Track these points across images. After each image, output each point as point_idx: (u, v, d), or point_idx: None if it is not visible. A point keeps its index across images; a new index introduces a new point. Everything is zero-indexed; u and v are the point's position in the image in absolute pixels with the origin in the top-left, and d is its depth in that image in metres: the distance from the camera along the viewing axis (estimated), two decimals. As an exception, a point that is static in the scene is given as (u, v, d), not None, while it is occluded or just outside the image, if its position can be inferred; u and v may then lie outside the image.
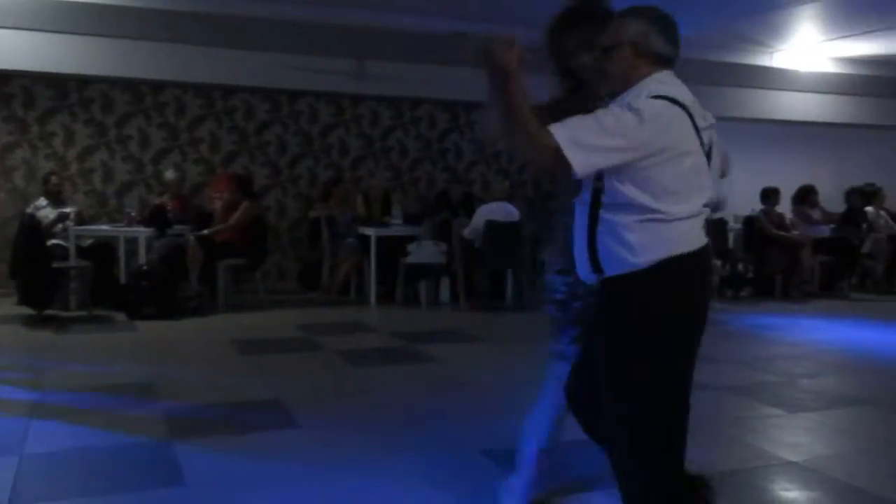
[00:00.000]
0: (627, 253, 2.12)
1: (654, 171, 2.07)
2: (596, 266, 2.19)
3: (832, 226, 9.77)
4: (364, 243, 8.17)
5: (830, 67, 11.42)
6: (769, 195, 9.38)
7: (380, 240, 7.98)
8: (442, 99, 9.71)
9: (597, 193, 2.15)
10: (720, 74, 10.32)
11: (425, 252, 7.97)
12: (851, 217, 9.89)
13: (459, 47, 9.15)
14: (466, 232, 7.94)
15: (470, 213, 8.27)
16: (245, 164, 9.11)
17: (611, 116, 2.05)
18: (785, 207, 9.65)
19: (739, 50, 10.73)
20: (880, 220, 10.12)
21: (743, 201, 9.99)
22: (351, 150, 9.59)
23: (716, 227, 9.49)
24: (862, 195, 10.12)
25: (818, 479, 3.36)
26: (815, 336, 6.74)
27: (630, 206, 2.11)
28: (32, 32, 7.86)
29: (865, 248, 9.66)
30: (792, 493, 3.26)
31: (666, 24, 2.21)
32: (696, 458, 3.51)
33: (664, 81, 2.16)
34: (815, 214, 9.74)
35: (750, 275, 9.52)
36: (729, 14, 8.86)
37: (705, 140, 2.16)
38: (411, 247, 7.96)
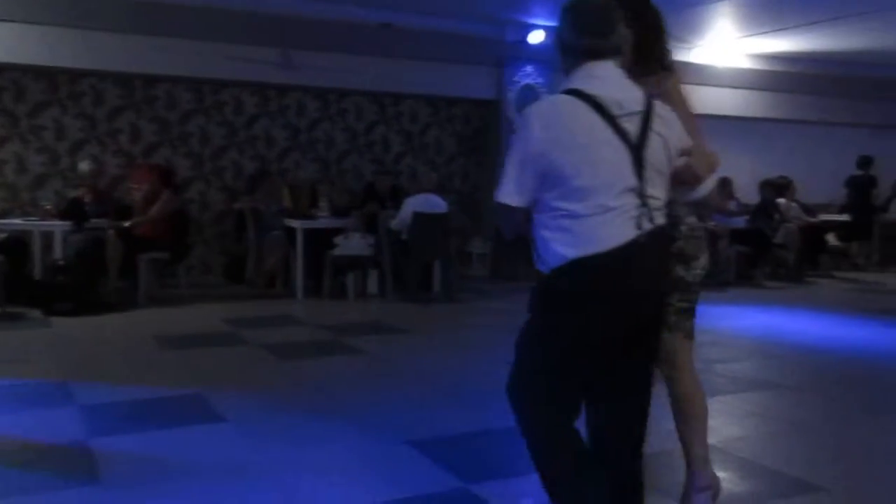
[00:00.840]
0: (542, 251, 2.16)
1: (550, 167, 2.08)
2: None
3: (747, 217, 10.14)
4: (291, 236, 8.09)
5: (746, 63, 11.82)
6: (688, 187, 9.66)
7: (307, 232, 7.92)
8: (369, 90, 9.67)
9: None
10: (641, 69, 10.54)
11: (353, 244, 7.94)
12: (765, 208, 10.28)
13: (386, 38, 9.24)
14: (394, 224, 7.94)
15: (398, 205, 8.27)
16: (167, 156, 8.89)
17: (514, 151, 2.15)
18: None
19: (660, 45, 10.98)
20: (792, 211, 10.56)
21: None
22: (277, 141, 9.47)
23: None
24: (775, 187, 10.53)
25: (730, 459, 3.50)
26: (730, 323, 7.00)
27: (541, 204, 2.15)
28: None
29: (778, 239, 10.06)
30: (705, 474, 3.39)
31: (575, 16, 2.19)
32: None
33: (591, 74, 2.14)
34: (732, 206, 10.09)
35: (670, 264, 9.77)
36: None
37: (629, 130, 2.10)
38: (338, 239, 7.92)
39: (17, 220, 7.55)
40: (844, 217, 11.45)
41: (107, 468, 3.21)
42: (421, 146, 10.31)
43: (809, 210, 10.96)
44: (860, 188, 11.38)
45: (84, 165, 7.88)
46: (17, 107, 8.28)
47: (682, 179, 2.30)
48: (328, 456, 3.42)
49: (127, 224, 7.40)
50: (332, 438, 3.65)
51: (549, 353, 2.19)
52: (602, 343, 2.17)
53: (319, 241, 7.93)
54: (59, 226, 7.23)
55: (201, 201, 9.12)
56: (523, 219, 2.19)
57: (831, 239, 11.19)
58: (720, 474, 3.36)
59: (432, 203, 7.91)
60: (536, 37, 9.55)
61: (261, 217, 8.41)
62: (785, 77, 12.06)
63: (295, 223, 7.98)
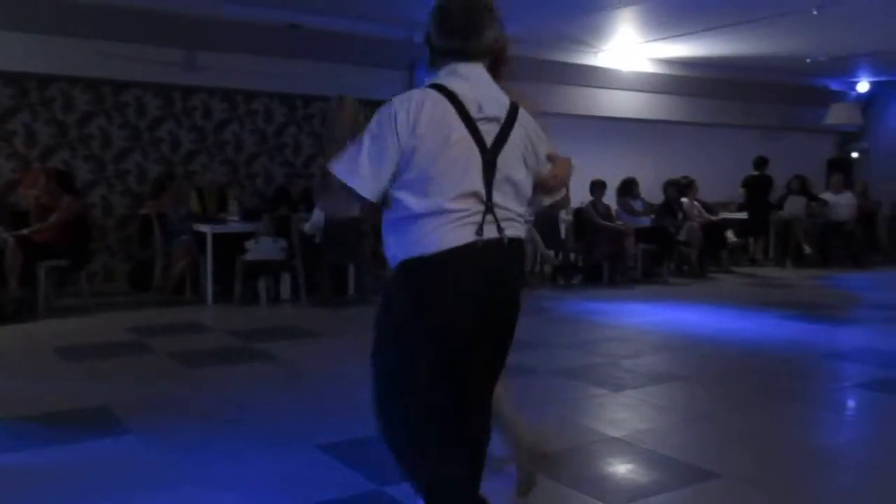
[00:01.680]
0: (386, 249, 2.11)
1: (405, 162, 1.99)
2: None
3: (652, 216, 10.48)
4: (199, 241, 7.89)
5: (649, 67, 12.21)
6: (596, 187, 9.92)
7: (216, 237, 7.74)
8: (278, 92, 9.54)
9: None
10: (548, 72, 10.76)
11: (264, 248, 7.81)
12: (669, 207, 10.64)
13: (294, 39, 9.16)
14: (307, 227, 7.85)
15: (310, 208, 8.18)
16: (66, 159, 8.54)
17: (370, 133, 2.03)
18: (610, 199, 10.23)
19: (566, 49, 11.24)
20: (694, 209, 10.97)
21: (573, 194, 10.47)
22: (183, 143, 9.23)
23: (547, 219, 9.93)
24: (678, 187, 10.91)
25: (637, 451, 3.62)
26: (637, 319, 7.22)
27: (388, 199, 2.06)
28: None
29: (681, 236, 10.43)
30: (614, 467, 3.50)
31: (440, 17, 2.15)
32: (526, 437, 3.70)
33: (452, 72, 2.10)
34: (637, 205, 10.41)
35: (580, 263, 10.03)
36: (552, 13, 9.24)
37: (486, 133, 2.03)
38: (249, 243, 7.77)
39: None
40: (742, 215, 11.97)
41: (1, 490, 3.07)
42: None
43: (710, 208, 11.41)
44: (757, 187, 11.91)
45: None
46: None
47: (547, 186, 2.26)
48: (240, 465, 3.36)
49: (25, 231, 7.07)
50: (243, 447, 3.58)
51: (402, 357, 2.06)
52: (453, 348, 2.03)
53: (229, 245, 7.77)
54: (-53, 233, 6.84)
55: (103, 206, 8.80)
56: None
57: (730, 236, 11.67)
58: (627, 466, 3.48)
59: (344, 205, 7.83)
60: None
61: (167, 221, 8.17)
62: (685, 81, 12.52)
63: (204, 227, 7.79)
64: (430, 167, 1.98)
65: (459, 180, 1.99)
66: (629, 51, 11.57)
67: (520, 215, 2.12)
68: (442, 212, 1.97)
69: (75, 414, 4.10)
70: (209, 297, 7.75)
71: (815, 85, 13.99)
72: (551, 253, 9.76)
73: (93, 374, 4.98)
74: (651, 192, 10.94)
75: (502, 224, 2.03)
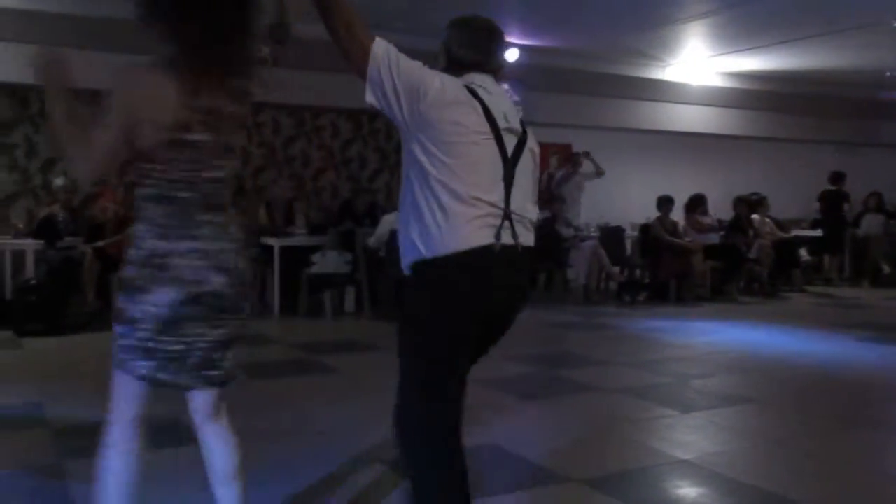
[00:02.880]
0: (406, 249, 2.30)
1: (433, 128, 2.13)
2: None
3: (721, 233, 10.24)
4: (267, 254, 8.03)
5: (719, 81, 11.98)
6: (664, 203, 9.75)
7: (283, 250, 7.87)
8: (345, 107, 9.68)
9: None
10: (615, 87, 10.67)
11: (329, 262, 7.90)
12: (739, 224, 10.39)
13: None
14: (371, 241, 7.91)
15: (374, 222, 8.25)
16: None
17: (417, 69, 2.17)
18: (678, 215, 10.05)
19: (633, 64, 11.12)
20: (765, 226, 10.68)
21: (639, 210, 10.35)
22: (252, 158, 9.43)
23: (613, 235, 9.81)
24: (748, 203, 10.65)
25: (707, 475, 3.51)
26: (706, 338, 7.04)
27: (414, 199, 2.24)
28: None
29: (752, 254, 10.16)
30: (682, 490, 3.39)
31: (468, 33, 2.33)
32: (593, 459, 3.63)
33: (472, 82, 2.24)
34: (706, 222, 10.19)
35: (646, 280, 9.86)
36: (621, 29, 9.17)
37: (507, 141, 2.20)
38: (315, 257, 7.88)
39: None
40: (817, 232, 11.60)
41: (82, 499, 3.15)
42: (397, 163, 10.30)
43: (782, 225, 11.10)
44: (832, 203, 11.54)
45: (59, 181, 7.78)
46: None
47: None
48: (302, 478, 3.38)
49: (101, 243, 7.31)
50: (305, 459, 3.61)
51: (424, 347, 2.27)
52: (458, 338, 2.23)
53: (296, 258, 7.89)
54: (30, 244, 7.12)
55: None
56: None
57: (804, 254, 11.32)
58: (697, 490, 3.38)
59: (409, 220, 7.89)
60: (511, 55, 9.61)
61: (236, 234, 8.34)
62: (756, 95, 12.24)
63: (272, 241, 7.93)
64: (462, 167, 2.11)
65: (485, 185, 2.14)
66: (698, 64, 11.38)
67: (531, 222, 2.28)
68: (467, 214, 2.10)
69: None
70: (275, 309, 7.87)
71: (895, 99, 13.51)
72: (616, 269, 9.62)
73: (163, 383, 5.09)
74: (720, 208, 10.71)
75: (517, 230, 2.18)
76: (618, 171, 10.50)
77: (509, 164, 2.19)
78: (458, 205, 2.11)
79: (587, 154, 10.05)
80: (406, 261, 2.26)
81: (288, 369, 5.64)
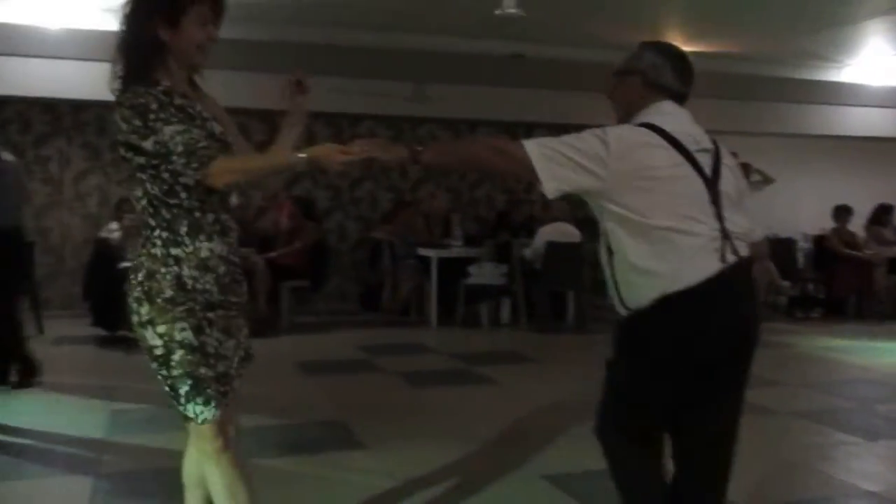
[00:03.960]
0: (629, 290, 2.23)
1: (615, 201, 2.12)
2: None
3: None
4: (424, 265, 8.21)
5: (902, 81, 11.04)
6: (841, 213, 9.11)
7: (440, 261, 8.01)
8: (500, 120, 9.73)
9: None
10: (787, 90, 10.11)
11: (486, 273, 7.96)
12: (927, 235, 9.52)
13: (517, 68, 9.21)
14: (527, 253, 7.91)
15: (530, 234, 8.24)
16: (307, 188, 9.26)
17: (579, 139, 2.16)
18: (857, 225, 9.34)
19: (806, 66, 10.47)
20: (958, 237, 9.71)
21: (812, 220, 9.74)
22: (410, 172, 9.67)
23: (783, 247, 9.25)
24: (938, 213, 9.73)
25: (897, 510, 3.22)
26: (890, 360, 6.49)
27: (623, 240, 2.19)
28: None
29: (942, 268, 9.27)
30: (869, 525, 3.13)
31: (680, 61, 2.32)
32: (770, 488, 3.42)
33: (662, 111, 2.24)
34: (889, 233, 9.41)
35: (821, 295, 9.23)
36: (794, 31, 8.67)
37: (702, 162, 2.16)
38: (472, 268, 7.96)
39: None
40: None
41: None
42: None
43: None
44: None
45: (233, 199, 8.29)
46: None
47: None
48: (463, 488, 3.40)
49: (274, 254, 7.74)
50: (466, 469, 3.63)
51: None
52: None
53: (453, 269, 8.00)
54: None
55: (338, 231, 9.43)
56: None
57: None
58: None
59: (565, 232, 7.82)
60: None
61: (395, 246, 8.59)
62: (948, 94, 11.17)
63: (430, 252, 8.10)
64: (659, 205, 2.08)
65: (696, 210, 2.11)
66: (879, 64, 10.55)
67: (745, 234, 2.19)
68: (692, 244, 2.07)
69: (315, 425, 4.38)
70: (433, 320, 8.02)
71: None
72: (787, 283, 9.08)
73: (328, 389, 5.31)
74: (905, 218, 9.84)
75: (735, 245, 2.13)
76: (787, 178, 9.93)
77: (711, 184, 2.16)
78: (681, 237, 2.08)
79: (748, 166, 9.55)
80: (632, 302, 2.19)
81: (447, 378, 5.71)
